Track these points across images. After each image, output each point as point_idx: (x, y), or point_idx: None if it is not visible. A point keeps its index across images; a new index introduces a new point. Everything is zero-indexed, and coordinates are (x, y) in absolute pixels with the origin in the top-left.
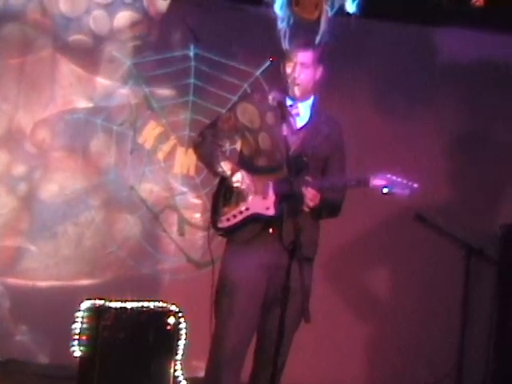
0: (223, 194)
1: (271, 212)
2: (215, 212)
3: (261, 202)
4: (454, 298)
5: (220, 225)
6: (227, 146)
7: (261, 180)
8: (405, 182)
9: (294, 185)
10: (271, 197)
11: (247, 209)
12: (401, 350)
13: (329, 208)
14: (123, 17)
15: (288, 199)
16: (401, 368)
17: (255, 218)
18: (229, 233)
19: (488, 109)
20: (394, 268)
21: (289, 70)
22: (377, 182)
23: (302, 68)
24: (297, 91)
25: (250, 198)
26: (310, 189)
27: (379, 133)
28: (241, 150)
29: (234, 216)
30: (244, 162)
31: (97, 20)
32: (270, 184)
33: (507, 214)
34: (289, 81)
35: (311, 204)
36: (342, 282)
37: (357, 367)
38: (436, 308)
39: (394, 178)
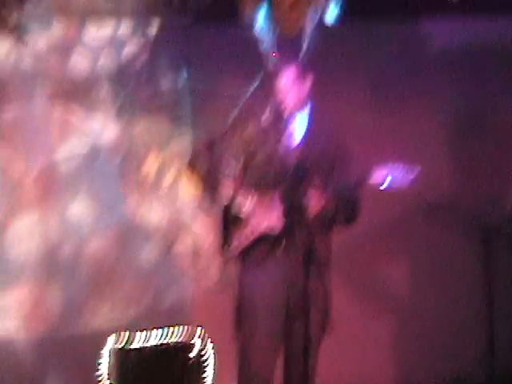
0: (231, 216)
1: (280, 225)
2: (226, 234)
3: (268, 218)
4: (476, 285)
5: (231, 249)
6: (228, 167)
7: (265, 196)
8: (406, 167)
9: (297, 194)
10: (278, 210)
11: (256, 227)
12: (426, 344)
13: (343, 214)
14: (114, 52)
15: (294, 209)
16: (428, 363)
17: (265, 234)
18: (241, 253)
19: (483, 93)
20: (410, 262)
21: (276, 87)
22: (379, 175)
23: (288, 86)
24: (287, 107)
25: (257, 215)
26: (314, 195)
27: (376, 128)
28: (242, 167)
29: (244, 238)
30: (246, 179)
31: (86, 58)
32: (275, 198)
33: None
34: (278, 98)
35: (317, 209)
36: (359, 282)
37: (383, 366)
38: (458, 298)
39: (395, 166)
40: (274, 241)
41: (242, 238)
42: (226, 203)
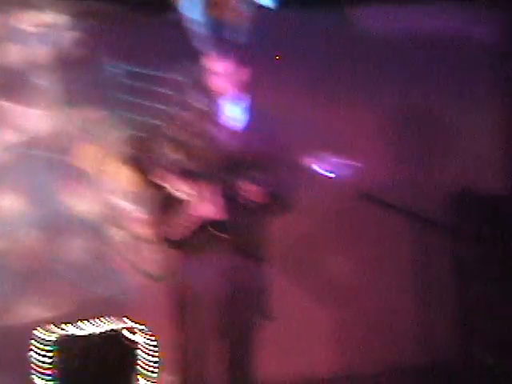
0: (170, 207)
1: (219, 216)
2: (164, 225)
3: (207, 209)
4: (414, 271)
5: (171, 238)
6: (166, 158)
7: (204, 186)
8: (346, 162)
9: (236, 185)
10: (217, 201)
11: (195, 217)
12: (367, 331)
13: (278, 203)
14: (47, 42)
15: (233, 200)
16: (369, 350)
17: (204, 225)
18: (180, 244)
19: (422, 82)
20: (351, 249)
21: (210, 77)
22: (318, 166)
23: (222, 75)
24: (221, 96)
25: (196, 206)
26: (253, 186)
27: (315, 118)
28: (180, 160)
29: (184, 227)
30: (184, 171)
31: (20, 47)
32: (214, 188)
33: (455, 182)
34: (212, 88)
35: (256, 200)
36: (301, 274)
37: (328, 354)
38: (398, 283)
39: (336, 160)
40: (214, 230)
41: (181, 226)
42: (164, 193)
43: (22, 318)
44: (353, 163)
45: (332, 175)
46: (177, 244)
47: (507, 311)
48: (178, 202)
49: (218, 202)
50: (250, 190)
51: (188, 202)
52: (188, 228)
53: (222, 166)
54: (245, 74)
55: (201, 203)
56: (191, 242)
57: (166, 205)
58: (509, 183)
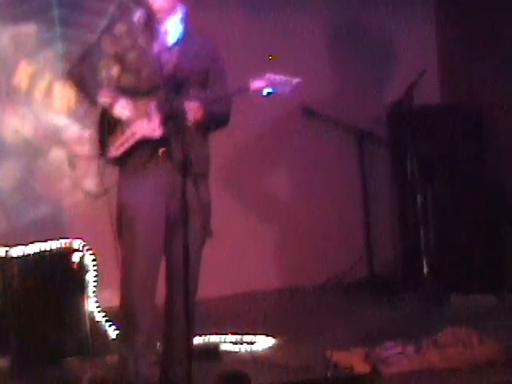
0: (107, 123)
1: (158, 133)
2: (102, 142)
3: (146, 125)
4: (353, 186)
5: (109, 154)
6: (103, 73)
7: (142, 103)
8: (285, 78)
9: (174, 102)
10: (155, 118)
11: (133, 134)
12: (310, 242)
13: (215, 120)
14: None
15: (172, 117)
16: (312, 260)
17: (143, 143)
18: (119, 161)
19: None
20: (289, 166)
21: None
22: (257, 84)
23: None
24: (158, 11)
25: (135, 122)
26: (192, 103)
27: (253, 35)
28: (117, 76)
29: (122, 143)
30: (122, 87)
31: None
32: (152, 105)
33: (391, 94)
34: (148, 2)
35: (195, 118)
36: (241, 190)
37: (268, 268)
38: (337, 197)
39: (274, 76)
40: (153, 147)
41: (119, 144)
42: (102, 110)
43: None
44: (292, 79)
45: (271, 91)
46: (115, 161)
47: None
48: (116, 118)
49: (156, 119)
50: (188, 106)
51: (127, 118)
52: (127, 145)
53: (160, 82)
54: None
55: (138, 120)
56: (131, 160)
57: (104, 122)
58: (444, 94)
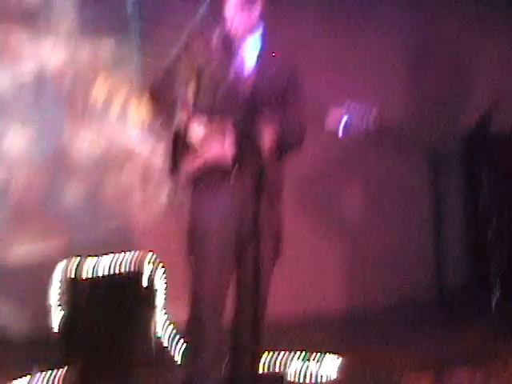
0: (182, 140)
1: (231, 153)
2: (176, 158)
3: (220, 145)
4: (426, 206)
5: (183, 171)
6: (180, 90)
7: (217, 122)
8: (364, 108)
9: (250, 123)
10: (230, 137)
11: (207, 152)
12: (377, 266)
13: (290, 145)
14: None
15: (246, 139)
16: (378, 284)
17: (216, 163)
18: (193, 178)
19: (438, 15)
20: (362, 186)
21: (226, 9)
22: (335, 116)
23: (238, 7)
24: (237, 29)
25: (209, 141)
26: (267, 127)
27: (330, 56)
28: (194, 93)
29: (195, 162)
30: (198, 105)
31: None
32: (228, 125)
33: (468, 117)
34: (228, 20)
35: (270, 141)
36: (311, 207)
37: (338, 287)
38: (408, 219)
39: (352, 107)
40: (226, 167)
41: (193, 164)
42: (177, 129)
43: (36, 252)
44: (369, 109)
45: (349, 121)
46: (189, 178)
47: None
48: (191, 137)
49: (231, 139)
50: (263, 129)
51: (201, 138)
52: (199, 165)
53: (236, 101)
54: (258, 7)
55: (213, 141)
56: (204, 177)
57: (178, 138)
58: None
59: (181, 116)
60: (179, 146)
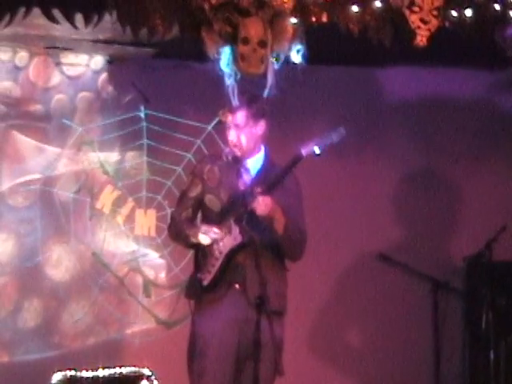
0: (201, 254)
1: (238, 240)
2: (198, 270)
3: (229, 239)
4: (426, 335)
5: (205, 281)
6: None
7: (225, 224)
8: (331, 132)
9: (245, 203)
10: (235, 228)
11: (220, 252)
12: None
13: (293, 241)
14: (71, 86)
15: (248, 221)
16: None
17: (220, 278)
18: (212, 287)
19: (438, 144)
20: (362, 311)
21: (229, 131)
22: (307, 149)
23: (237, 129)
24: (237, 152)
25: (221, 243)
26: (260, 197)
27: (332, 176)
28: (206, 206)
29: (213, 265)
30: (209, 216)
31: (44, 91)
32: (231, 221)
33: (469, 246)
34: (229, 142)
35: (266, 211)
36: (311, 329)
37: None
38: (408, 346)
39: (320, 136)
40: (229, 282)
41: (213, 260)
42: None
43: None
44: (336, 129)
45: (322, 147)
46: (206, 289)
47: None
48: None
49: (236, 230)
50: (258, 200)
51: (213, 241)
52: (217, 265)
53: (238, 204)
54: (261, 128)
55: (224, 238)
56: (208, 292)
57: (198, 253)
58: None
59: (198, 242)
60: (200, 259)
